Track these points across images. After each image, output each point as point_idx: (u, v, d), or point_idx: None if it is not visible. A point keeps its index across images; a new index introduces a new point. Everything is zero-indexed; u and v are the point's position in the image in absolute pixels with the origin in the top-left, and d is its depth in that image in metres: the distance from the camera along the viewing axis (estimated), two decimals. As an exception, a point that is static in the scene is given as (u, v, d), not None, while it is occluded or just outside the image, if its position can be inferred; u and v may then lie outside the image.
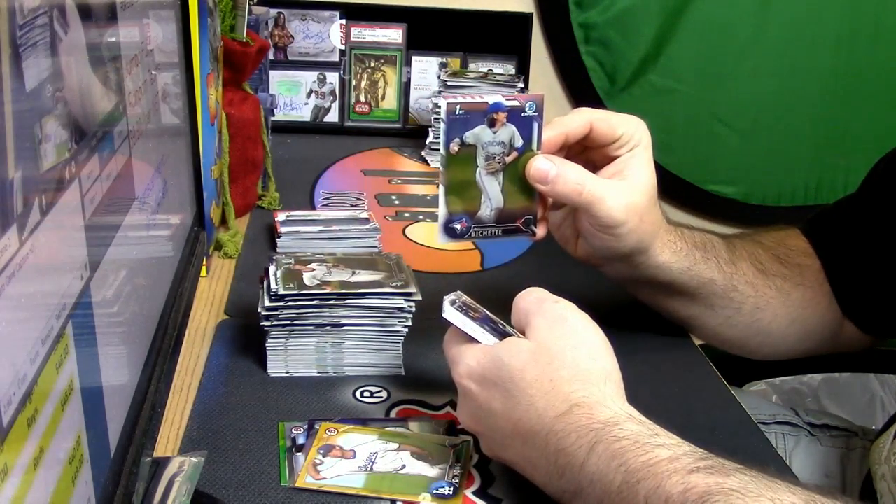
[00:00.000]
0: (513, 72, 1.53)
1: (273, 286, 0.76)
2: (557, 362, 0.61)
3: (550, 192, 0.75)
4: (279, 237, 1.00)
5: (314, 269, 0.79)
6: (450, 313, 0.66)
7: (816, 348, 0.92)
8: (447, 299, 0.67)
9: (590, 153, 0.79)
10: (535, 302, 0.66)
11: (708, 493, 0.51)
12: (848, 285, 0.89)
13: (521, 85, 1.40)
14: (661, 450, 0.55)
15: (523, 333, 0.65)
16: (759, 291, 0.86)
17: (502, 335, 0.65)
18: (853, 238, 0.88)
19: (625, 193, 0.75)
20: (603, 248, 0.78)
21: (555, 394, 0.60)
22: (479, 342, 0.65)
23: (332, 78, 1.51)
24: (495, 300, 0.96)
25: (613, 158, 0.77)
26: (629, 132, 0.77)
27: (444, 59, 1.52)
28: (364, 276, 0.79)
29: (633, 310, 0.91)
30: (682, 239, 0.82)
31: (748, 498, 0.50)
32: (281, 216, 1.04)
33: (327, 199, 1.21)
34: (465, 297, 0.68)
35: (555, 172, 0.74)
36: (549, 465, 0.60)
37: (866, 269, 0.87)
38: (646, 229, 0.77)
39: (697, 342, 0.91)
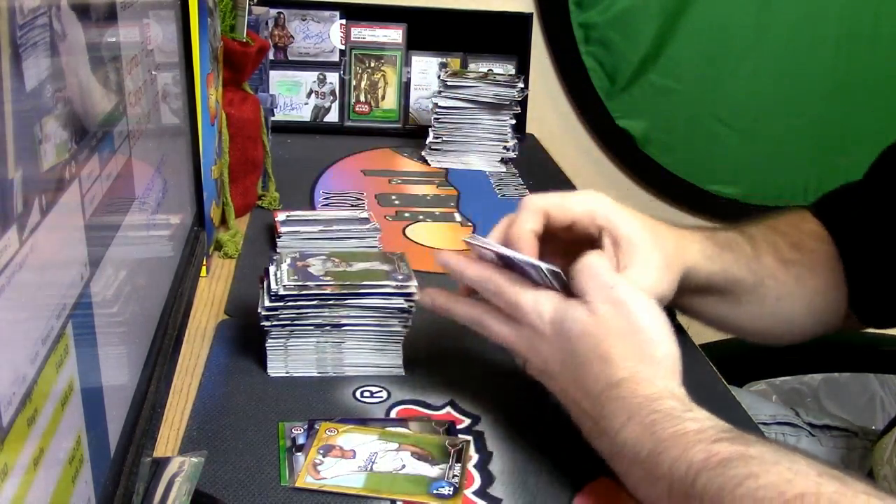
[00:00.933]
0: (512, 71, 1.53)
1: (273, 286, 0.76)
2: (613, 339, 0.64)
3: None
4: (279, 237, 1.00)
5: (316, 264, 0.79)
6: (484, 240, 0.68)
7: (827, 330, 0.93)
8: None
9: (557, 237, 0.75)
10: (592, 282, 0.66)
11: (728, 460, 0.54)
12: (859, 275, 0.89)
13: (520, 85, 1.40)
14: (690, 423, 0.59)
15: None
16: (780, 282, 0.86)
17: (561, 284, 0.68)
18: (865, 225, 0.88)
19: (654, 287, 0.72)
20: None
21: (607, 365, 0.63)
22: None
23: (332, 78, 1.51)
24: (495, 300, 0.96)
25: (589, 238, 0.74)
26: (587, 210, 0.74)
27: (444, 59, 1.52)
28: (366, 265, 0.79)
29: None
30: (712, 243, 0.82)
31: (767, 464, 0.53)
32: (281, 216, 1.04)
33: (327, 199, 1.21)
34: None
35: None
36: (591, 426, 0.64)
37: (876, 259, 0.87)
38: (675, 275, 0.77)
39: (697, 342, 0.91)
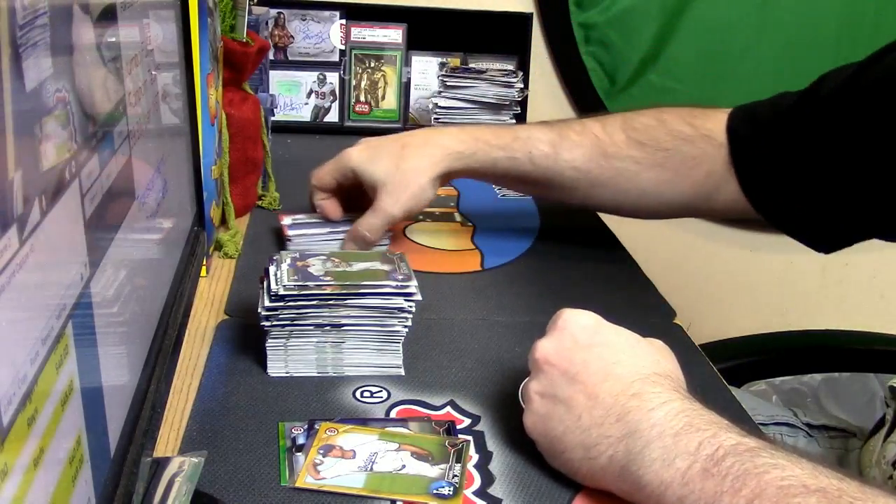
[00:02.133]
0: (511, 69, 1.53)
1: (273, 286, 0.76)
2: (648, 348, 0.68)
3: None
4: (289, 241, 1.00)
5: (316, 264, 0.79)
6: None
7: (688, 211, 1.00)
8: None
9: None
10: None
11: (758, 449, 0.56)
12: (752, 168, 0.92)
13: (520, 85, 1.40)
14: (720, 415, 0.60)
15: None
16: (592, 175, 0.97)
17: None
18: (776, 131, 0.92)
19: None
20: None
21: (644, 363, 0.65)
22: None
23: (332, 78, 1.51)
24: (496, 300, 0.96)
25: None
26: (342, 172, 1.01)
27: (444, 59, 1.52)
28: (366, 265, 0.79)
29: (633, 311, 0.91)
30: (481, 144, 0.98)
31: (793, 458, 0.55)
32: (286, 220, 1.04)
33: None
34: None
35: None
36: (616, 403, 0.62)
37: (778, 163, 0.91)
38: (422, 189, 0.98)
39: (697, 342, 0.91)
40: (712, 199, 0.95)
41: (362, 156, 0.98)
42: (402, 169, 0.96)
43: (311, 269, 0.78)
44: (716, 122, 0.94)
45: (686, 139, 0.94)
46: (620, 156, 0.95)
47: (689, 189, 0.95)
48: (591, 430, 0.62)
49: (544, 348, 0.66)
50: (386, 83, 1.53)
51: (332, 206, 1.01)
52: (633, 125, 0.96)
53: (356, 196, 1.01)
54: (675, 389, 0.63)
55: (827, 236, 0.92)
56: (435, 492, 0.64)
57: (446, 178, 1.01)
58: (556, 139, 0.97)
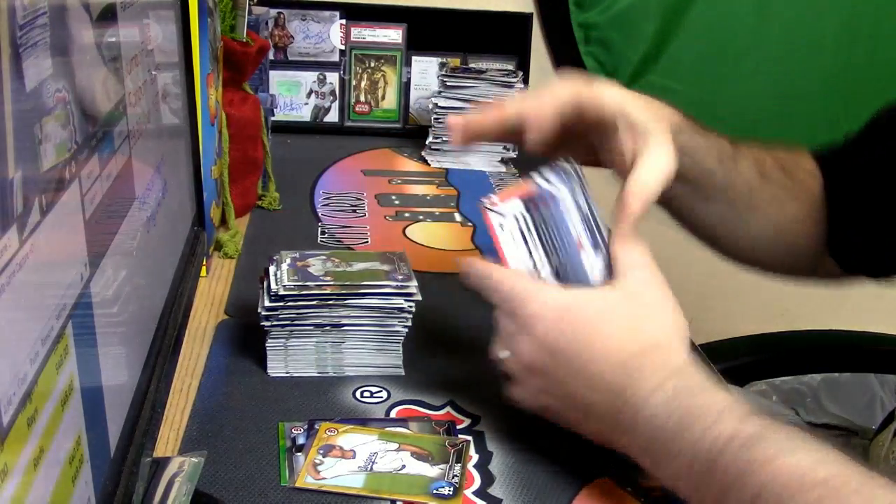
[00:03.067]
0: (511, 69, 1.53)
1: (273, 286, 0.76)
2: (648, 310, 0.65)
3: None
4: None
5: (316, 264, 0.79)
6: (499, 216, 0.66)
7: (795, 268, 0.91)
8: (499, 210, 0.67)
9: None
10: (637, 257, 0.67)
11: (757, 437, 0.55)
12: (843, 218, 0.86)
13: (520, 85, 1.40)
14: (720, 394, 0.59)
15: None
16: (753, 192, 0.83)
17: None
18: (857, 173, 0.86)
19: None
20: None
21: (641, 331, 0.64)
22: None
23: (332, 78, 1.51)
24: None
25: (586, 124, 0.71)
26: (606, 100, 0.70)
27: (444, 59, 1.52)
28: (366, 265, 0.79)
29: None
30: (690, 123, 0.81)
31: (796, 440, 0.55)
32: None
33: (327, 199, 1.21)
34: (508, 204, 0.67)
35: None
36: (613, 398, 0.62)
37: (865, 208, 0.86)
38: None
39: (698, 342, 0.91)
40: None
41: (617, 93, 0.72)
42: (660, 125, 0.72)
43: (310, 269, 0.78)
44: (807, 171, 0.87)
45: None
46: (773, 178, 0.85)
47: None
48: (597, 431, 0.65)
49: (516, 353, 0.66)
50: (386, 83, 1.53)
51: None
52: (766, 155, 0.87)
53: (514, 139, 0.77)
54: (662, 366, 0.62)
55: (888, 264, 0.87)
56: (435, 492, 0.64)
57: None
58: (730, 148, 0.84)
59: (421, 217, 1.18)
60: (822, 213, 0.86)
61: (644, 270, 0.67)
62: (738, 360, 1.49)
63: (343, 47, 1.51)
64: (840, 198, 0.86)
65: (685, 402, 0.59)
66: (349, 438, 0.69)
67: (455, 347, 0.85)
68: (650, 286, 0.66)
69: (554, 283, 0.67)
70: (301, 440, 0.69)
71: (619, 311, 0.65)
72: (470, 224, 1.17)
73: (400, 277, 0.78)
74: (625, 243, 0.67)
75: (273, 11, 1.46)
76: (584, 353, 0.63)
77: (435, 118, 1.38)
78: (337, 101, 1.52)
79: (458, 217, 1.19)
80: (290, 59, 1.50)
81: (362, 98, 1.53)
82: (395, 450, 0.68)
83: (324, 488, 0.64)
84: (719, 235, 0.88)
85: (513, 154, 1.40)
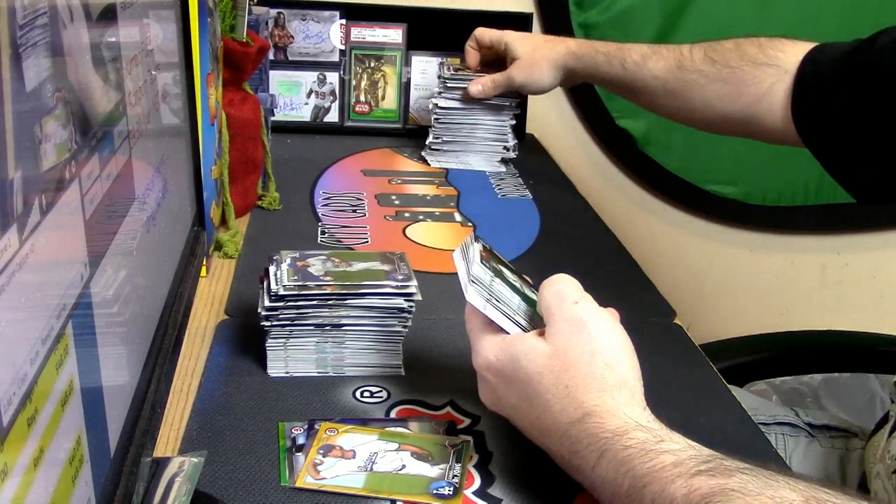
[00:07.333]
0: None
1: (273, 286, 0.76)
2: (573, 370, 0.62)
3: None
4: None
5: (316, 264, 0.79)
6: (472, 295, 0.66)
7: (740, 128, 1.08)
8: (471, 277, 0.67)
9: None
10: (555, 299, 0.65)
11: (710, 495, 0.52)
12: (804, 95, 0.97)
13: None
14: (665, 455, 0.56)
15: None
16: (669, 83, 1.10)
17: (527, 318, 0.67)
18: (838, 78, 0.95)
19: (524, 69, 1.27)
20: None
21: (569, 400, 0.62)
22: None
23: (332, 78, 1.51)
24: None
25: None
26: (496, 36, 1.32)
27: (444, 59, 1.52)
28: (366, 265, 0.79)
29: (633, 311, 0.91)
30: (593, 46, 1.21)
31: (749, 497, 0.51)
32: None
33: (327, 199, 1.21)
34: (480, 263, 0.67)
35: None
36: (565, 461, 0.63)
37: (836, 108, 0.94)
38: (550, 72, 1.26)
39: (698, 342, 0.92)
40: (762, 120, 1.02)
41: (516, 37, 1.31)
42: (535, 55, 1.26)
43: (311, 269, 0.78)
44: (792, 54, 1.01)
45: (752, 62, 1.03)
46: (693, 69, 1.08)
47: (742, 105, 1.04)
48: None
49: (482, 392, 0.67)
50: (386, 83, 1.53)
51: (474, 56, 1.36)
52: (714, 47, 1.08)
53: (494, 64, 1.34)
54: (600, 433, 0.60)
55: (869, 186, 0.94)
56: (435, 492, 0.64)
57: (566, 77, 1.25)
58: (648, 52, 1.13)
59: (421, 217, 1.18)
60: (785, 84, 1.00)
61: (567, 322, 0.64)
62: (738, 360, 1.50)
63: (343, 47, 1.51)
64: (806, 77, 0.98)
65: (632, 467, 0.57)
66: (349, 438, 0.69)
67: (455, 347, 0.85)
68: (573, 336, 0.64)
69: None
70: (301, 440, 0.69)
71: (550, 377, 0.63)
72: (470, 224, 1.17)
73: (400, 277, 0.78)
74: (548, 286, 0.67)
75: (273, 11, 1.46)
76: (532, 413, 0.64)
77: (435, 118, 1.38)
78: (337, 101, 1.52)
79: (458, 217, 1.19)
80: (290, 59, 1.50)
81: (362, 98, 1.53)
82: (395, 450, 0.68)
83: (324, 488, 0.64)
84: (674, 114, 1.15)
85: (513, 154, 1.40)
